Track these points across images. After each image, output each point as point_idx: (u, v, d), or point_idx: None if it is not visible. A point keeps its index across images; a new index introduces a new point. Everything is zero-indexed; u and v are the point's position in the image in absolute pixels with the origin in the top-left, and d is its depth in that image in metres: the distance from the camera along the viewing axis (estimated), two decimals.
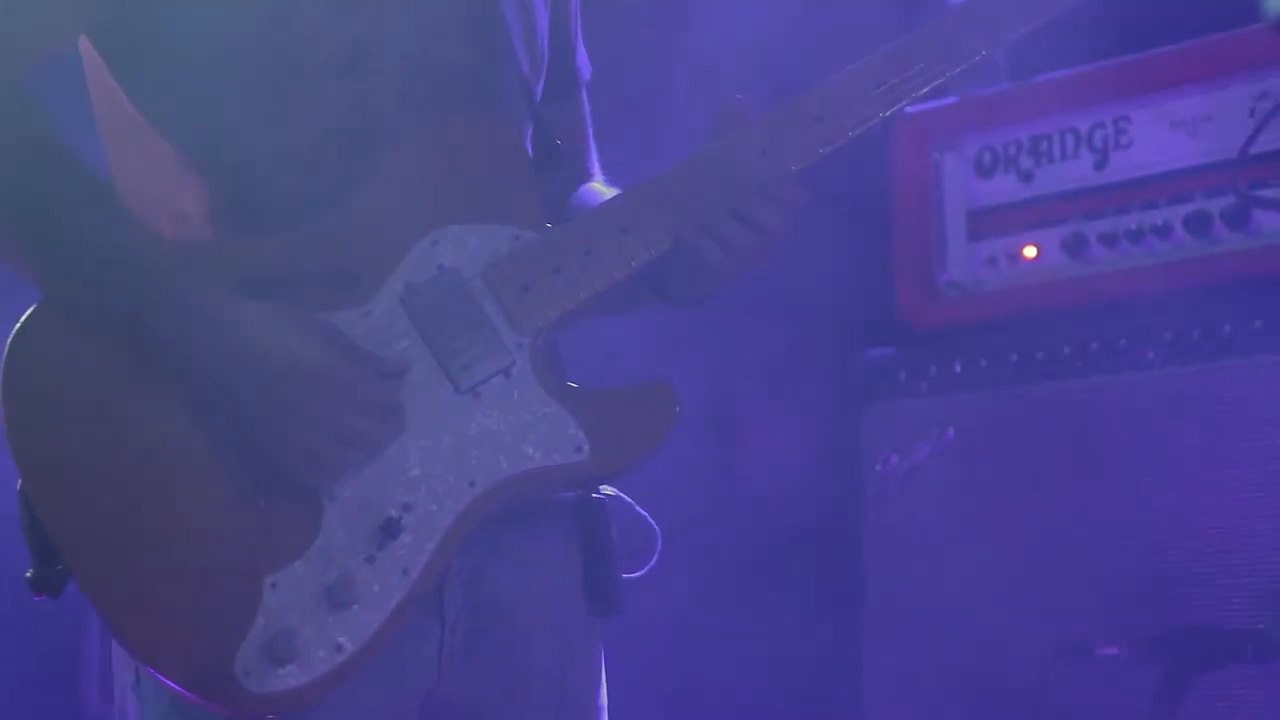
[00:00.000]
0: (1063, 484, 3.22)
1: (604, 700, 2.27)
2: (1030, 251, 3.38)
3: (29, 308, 2.03)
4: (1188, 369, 3.11)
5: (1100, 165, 3.30)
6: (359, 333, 2.05)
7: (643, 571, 2.31)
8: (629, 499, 2.30)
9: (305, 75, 2.09)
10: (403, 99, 2.14)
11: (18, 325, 2.02)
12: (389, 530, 2.02)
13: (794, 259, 3.90)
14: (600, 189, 2.39)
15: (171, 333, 1.99)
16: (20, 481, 2.01)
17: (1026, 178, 3.40)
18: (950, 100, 3.51)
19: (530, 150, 2.23)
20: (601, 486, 2.23)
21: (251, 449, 2.01)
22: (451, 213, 2.12)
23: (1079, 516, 3.19)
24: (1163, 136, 3.23)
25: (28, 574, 2.03)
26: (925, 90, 2.22)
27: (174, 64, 2.11)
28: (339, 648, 1.99)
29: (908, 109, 3.43)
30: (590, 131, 2.46)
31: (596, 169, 2.46)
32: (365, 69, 2.12)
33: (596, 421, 2.10)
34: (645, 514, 2.30)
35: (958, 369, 3.40)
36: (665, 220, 2.15)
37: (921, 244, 3.50)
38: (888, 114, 2.21)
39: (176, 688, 1.98)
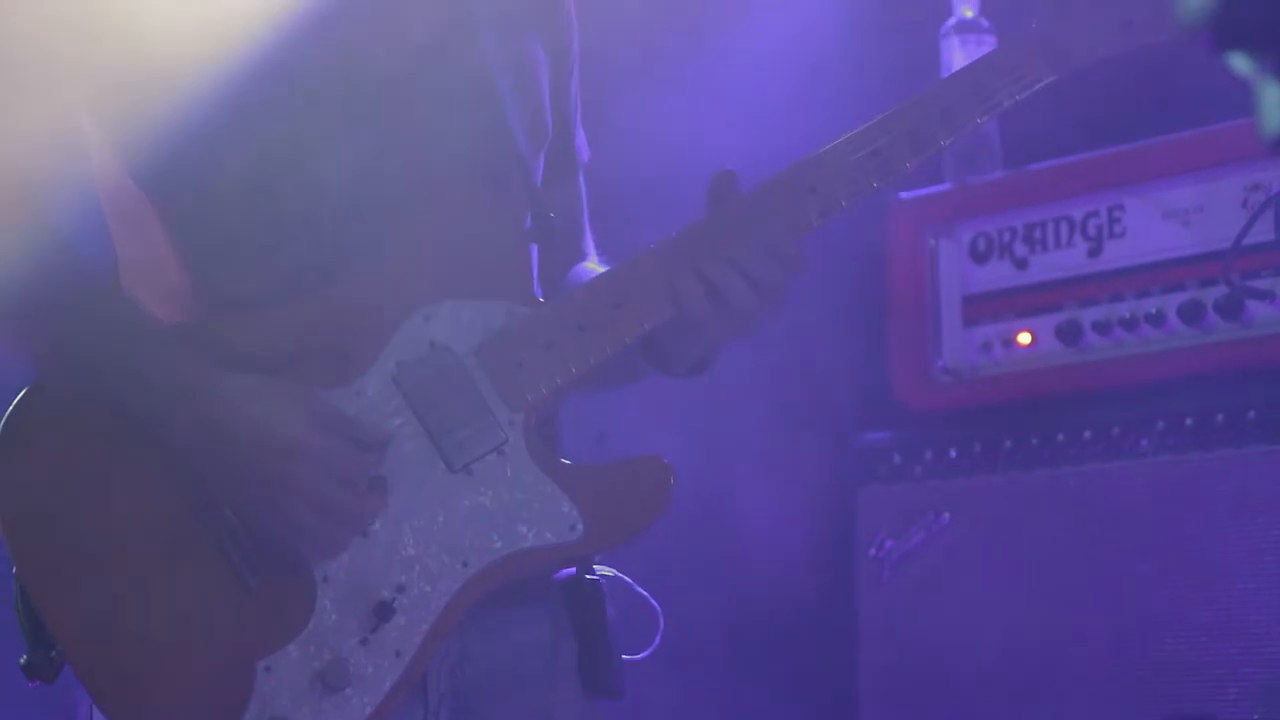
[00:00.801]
0: (1058, 571, 3.21)
1: None
2: (1025, 338, 3.38)
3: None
4: (1181, 458, 3.10)
5: (1094, 253, 3.31)
6: (352, 411, 2.04)
7: (646, 654, 2.30)
8: (628, 579, 2.29)
9: (296, 152, 2.10)
10: (394, 173, 2.14)
11: (9, 410, 2.02)
12: (382, 613, 2.01)
13: (790, 340, 3.93)
14: (595, 268, 2.39)
15: (153, 406, 1.99)
16: (15, 569, 2.01)
17: (1021, 264, 3.41)
18: (946, 187, 3.53)
19: (526, 225, 2.23)
20: (598, 567, 2.23)
21: (239, 526, 2.00)
22: (444, 288, 2.11)
23: (1074, 604, 3.18)
24: (1156, 226, 3.23)
25: (22, 660, 2.02)
26: (918, 159, 2.22)
27: (170, 138, 2.11)
28: None
29: (903, 195, 3.52)
30: (586, 214, 2.47)
31: (592, 250, 2.47)
32: (358, 144, 2.12)
33: (591, 499, 2.09)
34: (646, 594, 2.29)
35: (953, 454, 3.40)
36: (659, 293, 2.14)
37: (917, 328, 3.50)
38: (881, 185, 2.21)
39: None
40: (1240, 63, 1.02)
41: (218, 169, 2.10)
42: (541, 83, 2.32)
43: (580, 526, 2.08)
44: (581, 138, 2.45)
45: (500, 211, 2.18)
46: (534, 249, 2.22)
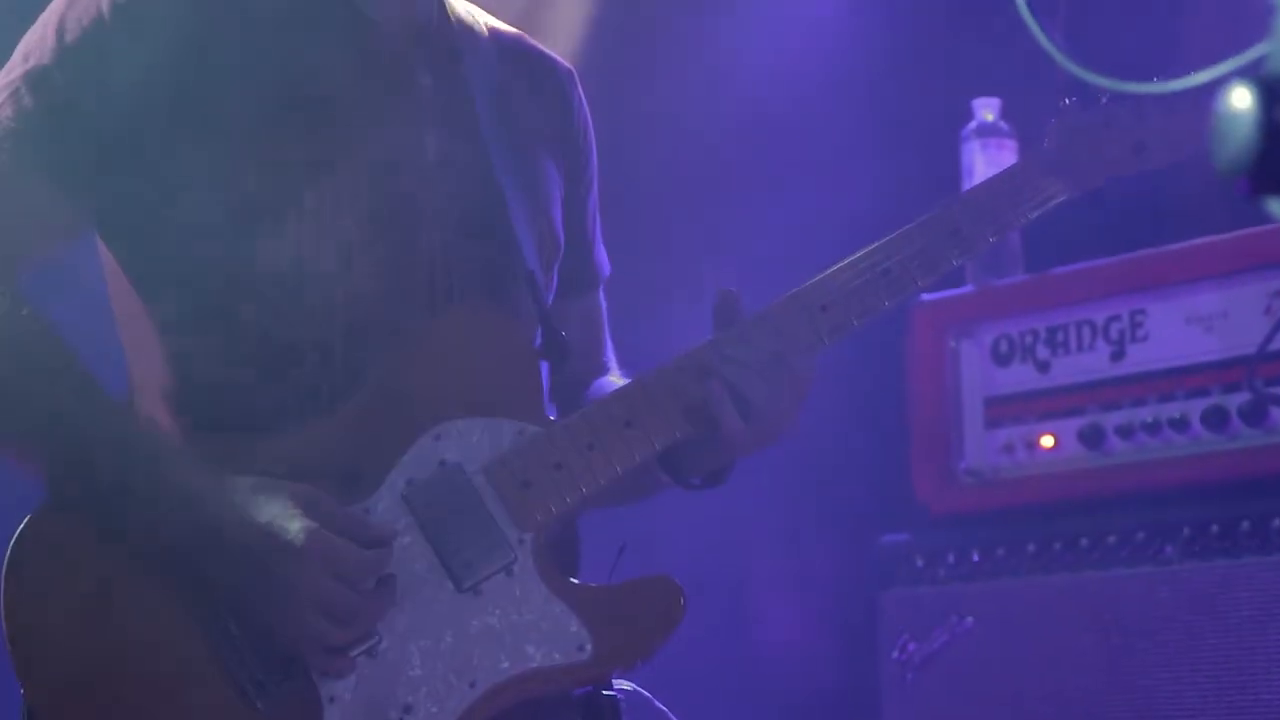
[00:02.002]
0: (1082, 677, 3.19)
1: None
2: (1047, 441, 3.37)
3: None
4: (1206, 565, 3.08)
5: (1117, 357, 3.31)
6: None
7: None
8: (647, 694, 2.28)
9: (308, 274, 2.11)
10: (406, 290, 2.15)
11: (20, 530, 2.03)
12: None
13: (810, 441, 3.91)
14: (617, 382, 2.39)
15: (158, 517, 1.99)
16: (22, 690, 2.00)
17: (1043, 367, 3.41)
18: (967, 289, 3.53)
19: (538, 342, 2.23)
20: (617, 681, 2.22)
21: (244, 643, 1.99)
22: (455, 407, 2.12)
23: (1098, 711, 3.16)
24: (1179, 331, 3.23)
25: None
26: (930, 278, 2.23)
27: (183, 263, 2.13)
28: None
29: (925, 296, 3.52)
30: (606, 328, 2.48)
31: (614, 364, 2.48)
32: (370, 261, 2.13)
33: (600, 619, 2.08)
34: (665, 709, 2.28)
35: (975, 557, 3.38)
36: (670, 413, 2.15)
37: (939, 430, 3.49)
38: (892, 304, 2.22)
39: None
40: (1278, 207, 1.03)
41: (231, 290, 2.11)
42: (553, 199, 2.33)
43: (589, 647, 2.07)
44: (601, 252, 2.46)
45: (510, 328, 2.19)
46: (544, 367, 2.22)
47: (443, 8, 2.30)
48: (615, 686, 2.21)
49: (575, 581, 2.13)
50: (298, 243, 2.10)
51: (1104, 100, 2.30)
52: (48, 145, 2.07)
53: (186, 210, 2.10)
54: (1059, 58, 1.17)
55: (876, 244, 2.24)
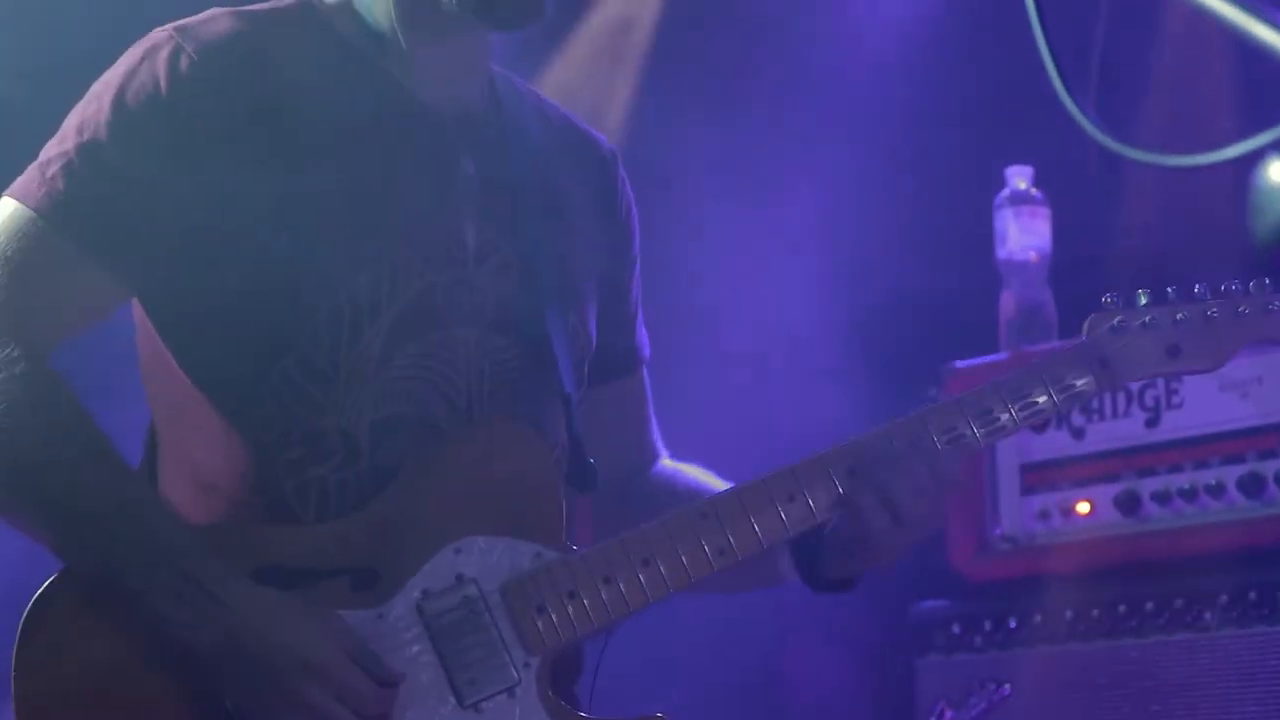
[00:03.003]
0: None
1: None
2: (1083, 507, 3.36)
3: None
4: (1245, 631, 3.08)
5: (1152, 423, 3.30)
6: (371, 633, 2.04)
7: None
8: None
9: (342, 365, 2.10)
10: (437, 393, 2.15)
11: (35, 598, 2.03)
12: None
13: None
14: (674, 467, 2.44)
15: (180, 616, 1.99)
16: None
17: (1078, 434, 3.39)
18: (1002, 355, 3.53)
19: (568, 464, 2.24)
20: None
21: None
22: (477, 523, 2.12)
23: None
24: (1214, 397, 3.22)
25: None
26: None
27: (220, 340, 2.12)
28: None
29: (959, 363, 3.52)
30: (650, 407, 2.48)
31: (660, 446, 2.47)
32: (403, 359, 2.13)
33: None
34: None
35: (1012, 624, 3.37)
36: (690, 555, 2.15)
37: (974, 497, 3.47)
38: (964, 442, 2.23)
39: None
40: None
41: (264, 374, 2.11)
42: (589, 293, 2.32)
43: None
44: (643, 334, 2.46)
45: (539, 451, 2.19)
46: (565, 491, 2.21)
47: (492, 86, 2.30)
48: None
49: (568, 708, 2.13)
50: (332, 332, 2.10)
51: (1144, 301, 2.32)
52: (99, 220, 2.07)
53: (227, 290, 2.10)
54: (1089, 128, 1.17)
55: (906, 418, 2.24)
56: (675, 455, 2.48)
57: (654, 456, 2.46)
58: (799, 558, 2.24)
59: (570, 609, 2.11)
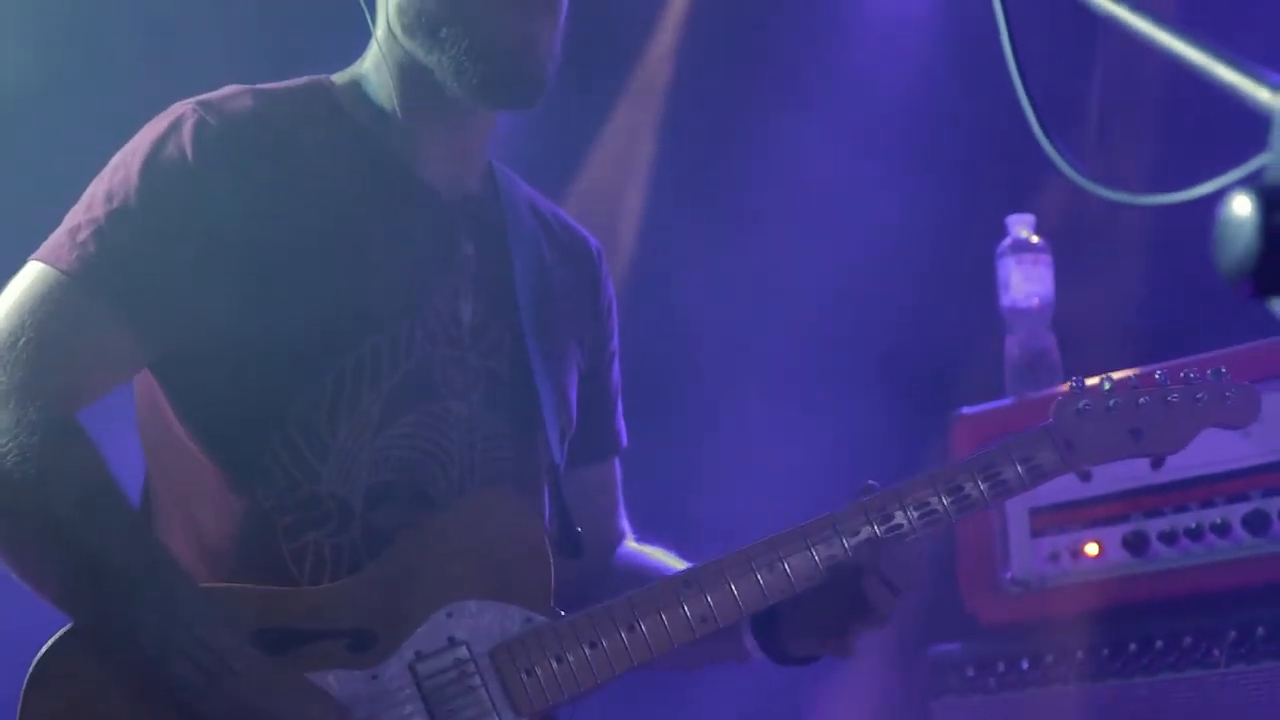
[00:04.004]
0: None
1: None
2: (1092, 549, 3.36)
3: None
4: (1255, 667, 3.07)
5: (1157, 464, 3.29)
6: (366, 693, 2.08)
7: None
8: None
9: (340, 433, 2.14)
10: (430, 462, 2.18)
11: (45, 649, 2.05)
12: None
13: None
14: (638, 550, 2.50)
15: (192, 679, 2.01)
16: None
17: (1085, 476, 3.37)
18: (1007, 401, 3.54)
19: (558, 532, 2.28)
20: None
21: None
22: (469, 588, 2.15)
23: None
24: (1218, 437, 3.17)
25: None
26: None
27: (224, 404, 2.16)
28: None
29: (966, 410, 3.53)
30: (619, 493, 2.53)
31: (628, 529, 2.53)
32: (398, 428, 2.17)
33: None
34: None
35: (1025, 665, 3.37)
36: (673, 623, 2.18)
37: (985, 540, 3.48)
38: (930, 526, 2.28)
39: None
40: (1278, 306, 1.06)
41: (266, 437, 2.14)
42: (573, 376, 2.37)
43: None
44: (621, 422, 2.51)
45: (530, 520, 2.23)
46: (553, 559, 2.25)
47: (490, 173, 2.35)
48: None
49: None
50: (333, 401, 2.14)
51: (1107, 386, 2.37)
52: (129, 280, 2.11)
53: (237, 355, 2.14)
54: (1066, 169, 1.21)
55: (871, 499, 2.29)
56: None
57: (620, 538, 2.51)
58: (760, 636, 2.28)
59: (557, 671, 2.14)
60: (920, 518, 2.26)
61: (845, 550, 2.22)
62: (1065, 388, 2.43)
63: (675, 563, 2.41)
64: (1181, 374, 2.43)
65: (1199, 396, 2.42)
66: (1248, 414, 2.46)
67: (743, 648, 2.31)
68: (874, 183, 4.42)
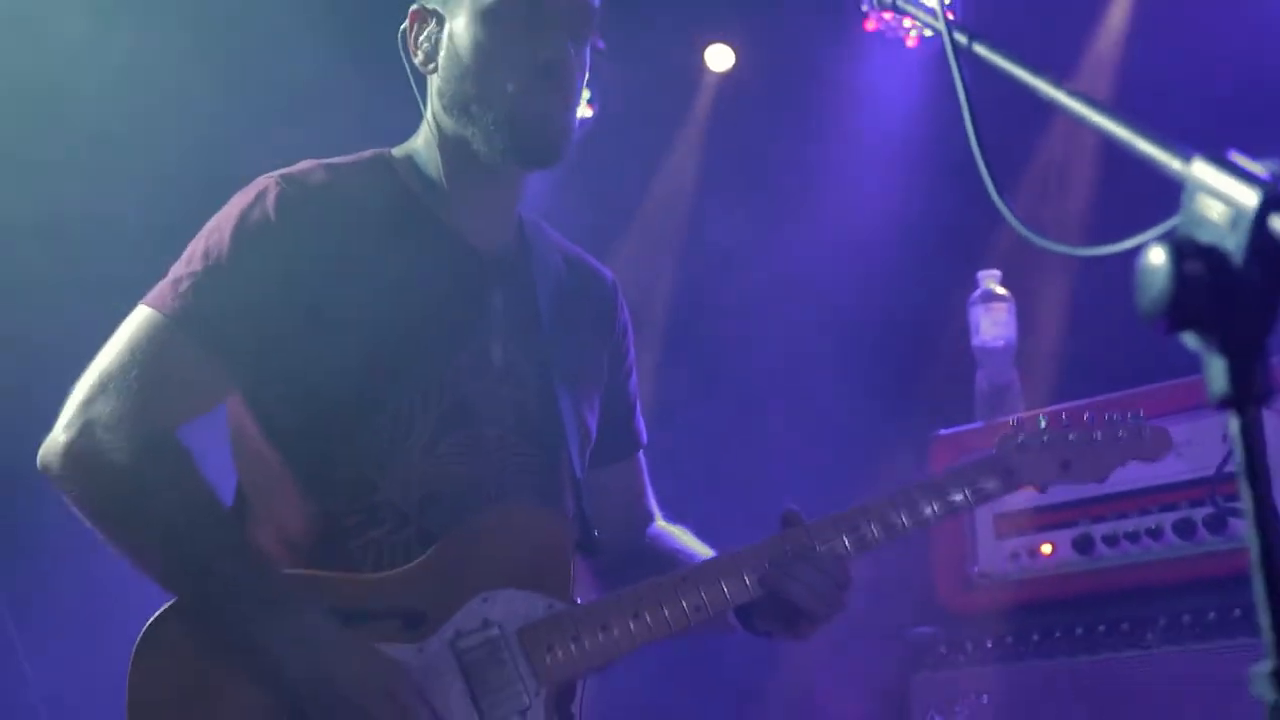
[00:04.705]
0: None
1: None
2: (1047, 549, 3.35)
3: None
4: (1181, 649, 3.06)
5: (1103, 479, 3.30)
6: (415, 664, 2.07)
7: None
8: None
9: (396, 453, 2.13)
10: (469, 477, 2.17)
11: (150, 623, 2.05)
12: None
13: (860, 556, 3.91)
14: (664, 529, 2.46)
15: (282, 652, 2.01)
16: None
17: (1042, 488, 3.39)
18: (978, 425, 3.54)
19: (578, 534, 2.26)
20: None
21: None
22: (502, 578, 2.13)
23: None
24: None
25: None
26: (882, 541, 2.27)
27: (301, 427, 2.15)
28: None
29: (942, 431, 3.52)
30: (646, 479, 2.51)
31: (655, 509, 2.51)
32: (445, 446, 2.16)
33: None
34: None
35: (989, 645, 3.36)
36: (675, 610, 2.17)
37: (956, 542, 3.47)
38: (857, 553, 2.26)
39: None
40: (1190, 340, 1.05)
41: (336, 458, 2.14)
42: (594, 397, 2.35)
43: None
44: (640, 423, 2.50)
45: (554, 526, 2.21)
46: (576, 556, 2.24)
47: (520, 227, 2.35)
48: None
49: None
50: (392, 427, 2.14)
51: (1043, 424, 2.39)
52: (220, 326, 2.11)
53: (310, 388, 2.14)
54: (1015, 224, 1.21)
55: (864, 504, 2.28)
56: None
57: (649, 519, 2.49)
58: (739, 615, 2.27)
59: (574, 650, 2.13)
60: (882, 530, 2.25)
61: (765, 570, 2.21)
62: (1009, 423, 2.43)
63: (692, 541, 2.40)
64: (1105, 415, 2.42)
65: (1120, 435, 2.41)
66: (1160, 450, 2.44)
67: (727, 623, 2.30)
68: (876, 246, 4.44)
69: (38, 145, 3.88)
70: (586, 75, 2.28)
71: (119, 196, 3.89)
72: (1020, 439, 2.37)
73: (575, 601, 2.18)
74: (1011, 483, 2.33)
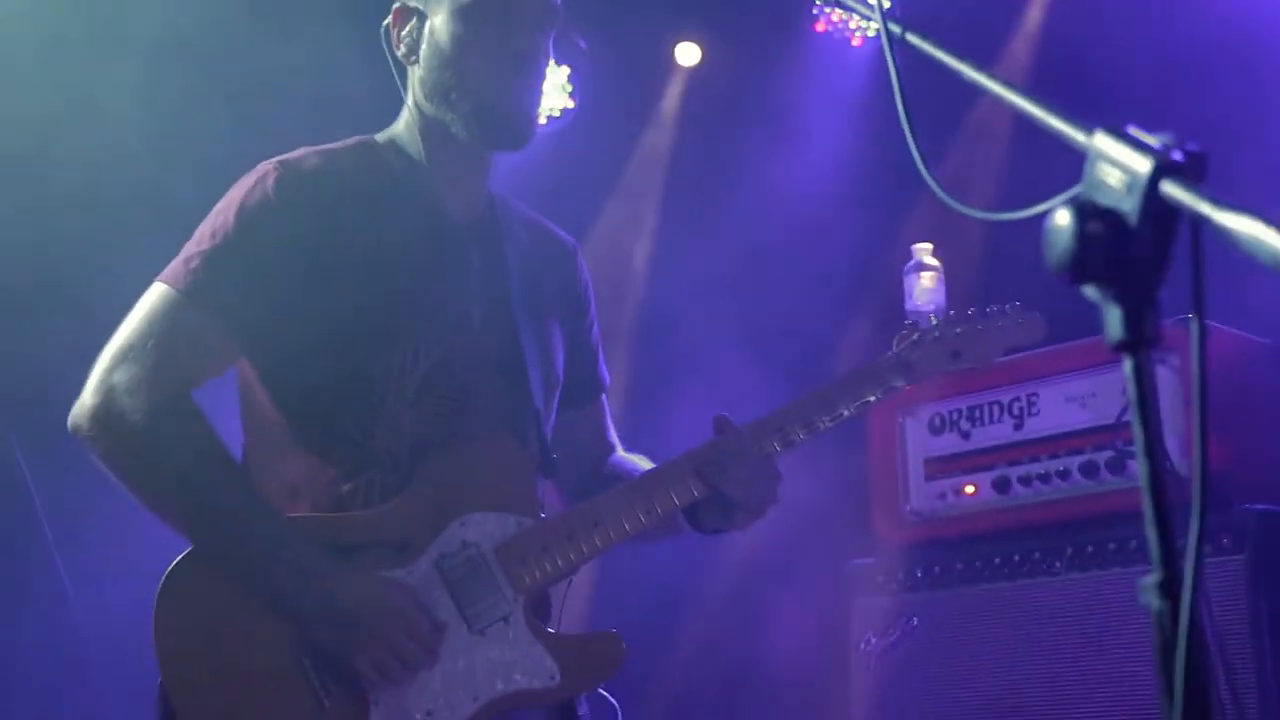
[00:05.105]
0: (998, 659, 3.19)
1: None
2: (970, 489, 3.38)
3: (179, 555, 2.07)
4: (1084, 575, 3.09)
5: (1019, 427, 3.32)
6: (409, 583, 2.09)
7: None
8: (611, 698, 2.30)
9: (389, 404, 2.14)
10: (453, 419, 2.18)
11: (169, 570, 2.06)
12: None
13: (803, 494, 3.95)
14: (623, 456, 2.47)
15: (291, 585, 2.03)
16: (161, 680, 2.04)
17: (966, 435, 3.42)
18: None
19: (538, 459, 2.27)
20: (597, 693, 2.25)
21: (332, 664, 2.03)
22: (475, 503, 2.15)
23: (1011, 683, 3.16)
24: (1062, 407, 3.25)
25: None
26: (810, 434, 2.28)
27: (302, 385, 2.16)
28: None
29: (888, 397, 3.52)
30: (608, 418, 2.52)
31: (616, 442, 2.51)
32: (430, 397, 2.17)
33: (567, 657, 2.14)
34: (609, 696, 2.30)
35: (919, 574, 3.39)
36: (630, 515, 2.19)
37: (891, 483, 3.50)
38: (783, 449, 2.27)
39: None
40: (1090, 292, 1.08)
41: (335, 410, 2.15)
42: (558, 346, 2.36)
43: (558, 677, 2.13)
44: (603, 368, 2.50)
45: (517, 452, 2.23)
46: (540, 479, 2.26)
47: (490, 199, 2.36)
48: (579, 706, 2.24)
49: (551, 630, 2.18)
50: (384, 380, 2.14)
51: (934, 321, 2.42)
52: (226, 298, 2.11)
53: (309, 349, 2.14)
54: (939, 193, 1.23)
55: (786, 407, 2.29)
56: (629, 446, 2.54)
57: (610, 450, 2.50)
58: (687, 516, 2.29)
59: (544, 559, 2.15)
60: (781, 443, 2.26)
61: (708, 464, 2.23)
62: (904, 325, 2.45)
63: (646, 463, 2.41)
64: (986, 309, 2.46)
65: (1000, 324, 2.45)
66: (1035, 335, 2.48)
67: (677, 525, 2.32)
68: (815, 218, 4.45)
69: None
70: (550, 62, 2.30)
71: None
72: (914, 337, 2.40)
73: (541, 518, 2.19)
74: (912, 376, 2.36)
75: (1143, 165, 1.03)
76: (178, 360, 2.08)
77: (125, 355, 2.08)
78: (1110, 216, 1.04)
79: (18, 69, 3.87)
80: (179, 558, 2.07)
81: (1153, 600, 1.04)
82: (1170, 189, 1.02)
